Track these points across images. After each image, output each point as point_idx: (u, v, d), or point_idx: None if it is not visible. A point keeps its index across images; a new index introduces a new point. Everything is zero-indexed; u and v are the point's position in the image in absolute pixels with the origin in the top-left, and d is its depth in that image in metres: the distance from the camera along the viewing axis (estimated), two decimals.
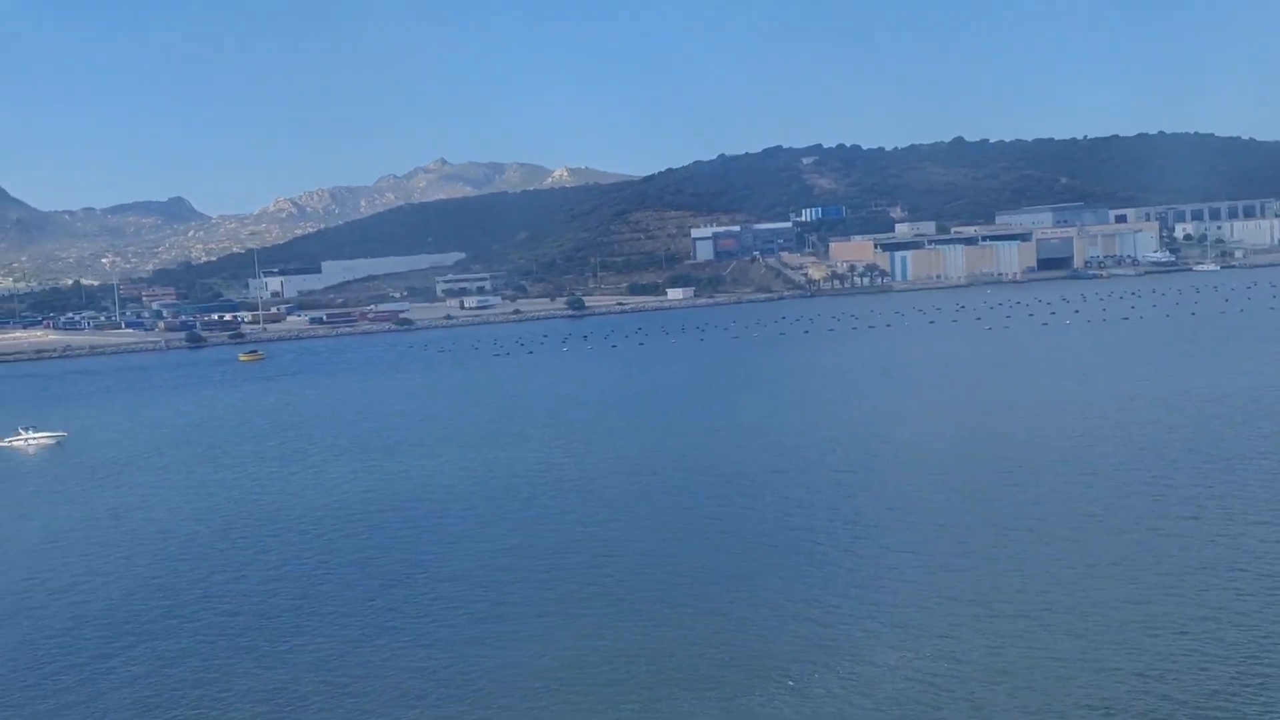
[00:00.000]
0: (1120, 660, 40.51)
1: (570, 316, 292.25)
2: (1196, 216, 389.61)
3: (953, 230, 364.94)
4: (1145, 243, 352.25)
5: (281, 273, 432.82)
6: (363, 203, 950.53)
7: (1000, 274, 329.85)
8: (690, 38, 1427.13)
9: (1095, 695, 37.84)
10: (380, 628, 48.97)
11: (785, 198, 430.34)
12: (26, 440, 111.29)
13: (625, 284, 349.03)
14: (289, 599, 54.39)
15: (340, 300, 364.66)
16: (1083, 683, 38.84)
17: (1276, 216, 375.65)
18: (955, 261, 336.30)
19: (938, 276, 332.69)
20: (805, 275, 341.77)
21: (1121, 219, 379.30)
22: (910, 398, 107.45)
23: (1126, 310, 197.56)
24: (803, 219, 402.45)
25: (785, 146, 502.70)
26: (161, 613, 53.57)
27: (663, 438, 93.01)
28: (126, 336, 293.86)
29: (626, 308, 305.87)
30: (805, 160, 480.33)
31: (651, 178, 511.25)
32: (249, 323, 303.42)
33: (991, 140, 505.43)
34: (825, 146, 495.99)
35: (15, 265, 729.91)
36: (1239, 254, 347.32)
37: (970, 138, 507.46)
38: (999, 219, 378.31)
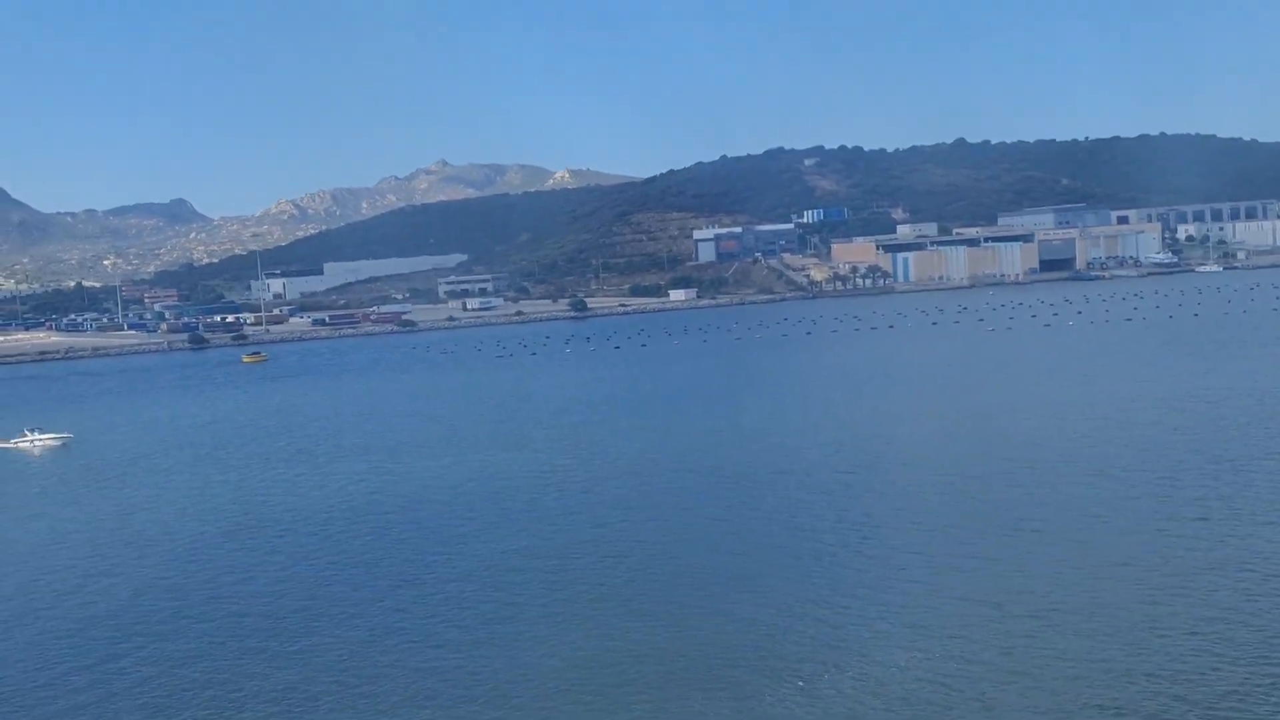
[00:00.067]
0: (1131, 661, 40.56)
1: (572, 318, 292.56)
2: (1198, 218, 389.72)
3: (955, 232, 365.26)
4: (1147, 244, 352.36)
5: (283, 274, 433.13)
6: (364, 204, 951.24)
7: (1002, 275, 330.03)
8: (691, 39, 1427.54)
9: (1107, 696, 37.89)
10: (390, 628, 49.04)
11: (787, 199, 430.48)
12: (32, 441, 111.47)
13: (627, 285, 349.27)
14: (297, 600, 54.46)
15: (342, 302, 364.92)
16: (1094, 683, 38.89)
17: (1278, 218, 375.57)
18: (957, 263, 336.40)
19: (940, 278, 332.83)
20: (807, 277, 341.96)
21: (1123, 220, 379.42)
22: (914, 399, 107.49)
23: (1129, 311, 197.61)
24: (804, 220, 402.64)
25: (787, 148, 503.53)
26: (170, 614, 53.66)
27: (668, 439, 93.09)
28: (129, 338, 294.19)
29: (629, 309, 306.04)
30: (807, 161, 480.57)
31: (653, 179, 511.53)
32: (251, 324, 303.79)
33: (993, 141, 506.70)
34: (827, 148, 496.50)
35: (17, 267, 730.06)
36: (1241, 255, 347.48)
37: (972, 139, 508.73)
38: (1001, 220, 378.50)
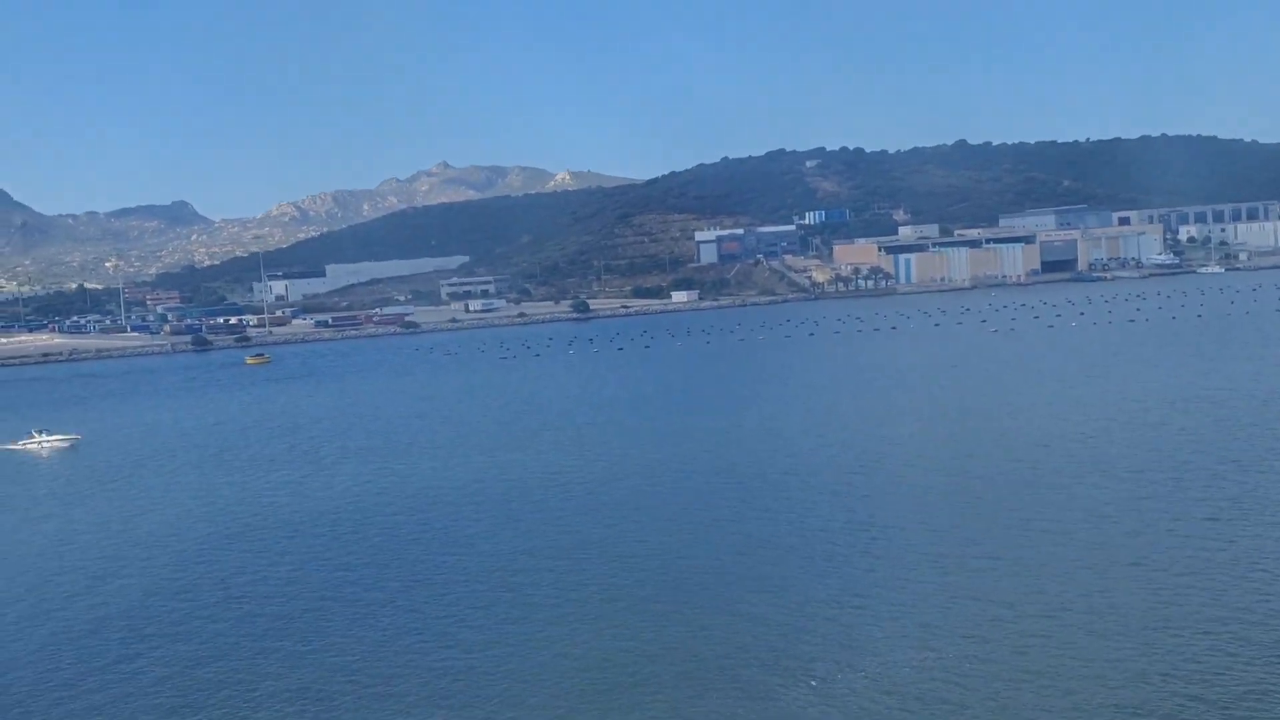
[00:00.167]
0: (1145, 661, 40.68)
1: (575, 319, 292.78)
2: (1200, 219, 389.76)
3: (956, 233, 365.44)
4: (1149, 245, 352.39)
5: (285, 276, 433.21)
6: (365, 206, 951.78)
7: (1004, 276, 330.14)
8: (692, 41, 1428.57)
9: (1123, 696, 38.00)
10: (403, 629, 49.19)
11: (789, 201, 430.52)
12: (40, 443, 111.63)
13: (629, 287, 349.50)
14: (309, 601, 54.59)
15: (345, 304, 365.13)
16: (1109, 683, 39.01)
17: (1279, 219, 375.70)
18: (959, 264, 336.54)
19: (941, 279, 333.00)
20: (809, 278, 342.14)
21: (1125, 221, 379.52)
22: (919, 400, 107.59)
23: (1132, 312, 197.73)
24: (806, 222, 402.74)
25: (788, 149, 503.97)
26: (183, 615, 53.80)
27: (674, 440, 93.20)
28: (132, 340, 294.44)
29: (631, 310, 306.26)
30: (809, 163, 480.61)
31: (655, 181, 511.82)
32: (254, 326, 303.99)
33: (994, 142, 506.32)
34: (828, 149, 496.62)
35: (19, 269, 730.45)
36: (1243, 256, 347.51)
37: (973, 140, 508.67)
38: (1002, 221, 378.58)
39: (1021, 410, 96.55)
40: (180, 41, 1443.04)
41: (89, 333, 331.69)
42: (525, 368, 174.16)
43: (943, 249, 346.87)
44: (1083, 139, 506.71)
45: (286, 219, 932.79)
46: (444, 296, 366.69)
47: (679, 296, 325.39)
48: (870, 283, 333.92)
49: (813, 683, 41.07)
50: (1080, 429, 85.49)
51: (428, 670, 44.17)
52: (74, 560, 65.97)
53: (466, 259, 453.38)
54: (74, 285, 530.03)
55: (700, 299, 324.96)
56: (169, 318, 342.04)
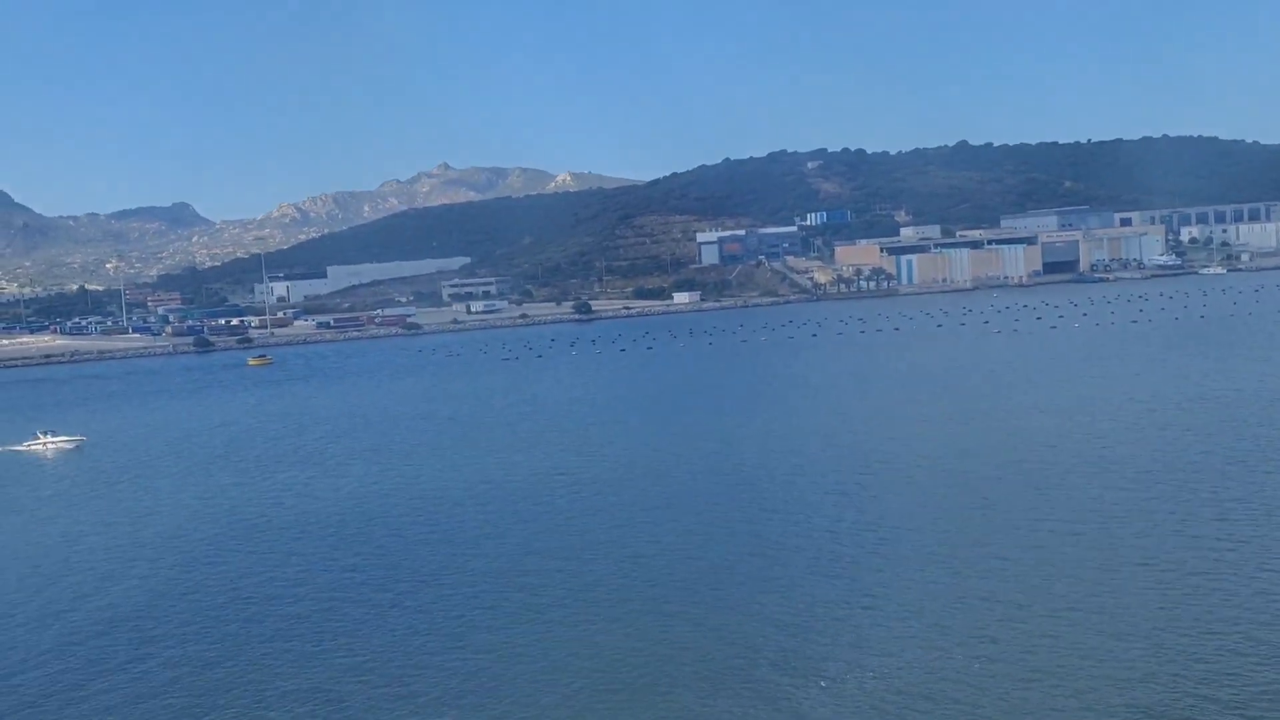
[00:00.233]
0: (1156, 662, 40.70)
1: (577, 320, 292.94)
2: (1201, 220, 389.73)
3: (958, 234, 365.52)
4: (1151, 246, 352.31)
5: (287, 278, 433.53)
6: (366, 207, 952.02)
7: (1006, 277, 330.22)
8: (693, 42, 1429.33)
9: (1134, 697, 38.04)
10: (413, 629, 49.24)
11: (790, 202, 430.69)
12: (45, 444, 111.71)
13: (631, 288, 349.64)
14: (319, 602, 54.65)
15: (346, 305, 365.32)
16: (1121, 684, 39.04)
17: None
18: (961, 265, 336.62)
19: (943, 280, 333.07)
20: (811, 279, 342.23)
21: (1126, 222, 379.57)
22: (925, 400, 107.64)
23: (1135, 313, 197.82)
24: (808, 223, 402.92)
25: (790, 150, 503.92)
26: (192, 616, 53.86)
27: (680, 440, 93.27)
28: (134, 341, 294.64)
29: (633, 312, 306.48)
30: (810, 164, 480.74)
31: (656, 182, 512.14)
32: (256, 328, 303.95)
33: (996, 143, 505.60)
34: (830, 150, 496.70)
35: (20, 270, 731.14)
36: (1245, 257, 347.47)
37: (974, 141, 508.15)
38: (1004, 222, 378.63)
39: (1027, 411, 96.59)
40: (181, 43, 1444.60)
41: (90, 334, 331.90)
42: (528, 369, 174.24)
43: (944, 250, 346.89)
44: (1084, 140, 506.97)
45: (287, 220, 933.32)
46: (445, 298, 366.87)
47: (681, 298, 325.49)
48: (872, 284, 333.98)
49: (823, 683, 41.13)
50: (1086, 430, 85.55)
51: (439, 670, 44.22)
52: (82, 561, 66.06)
53: (468, 260, 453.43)
54: (75, 287, 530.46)
55: (702, 300, 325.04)
56: (170, 319, 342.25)
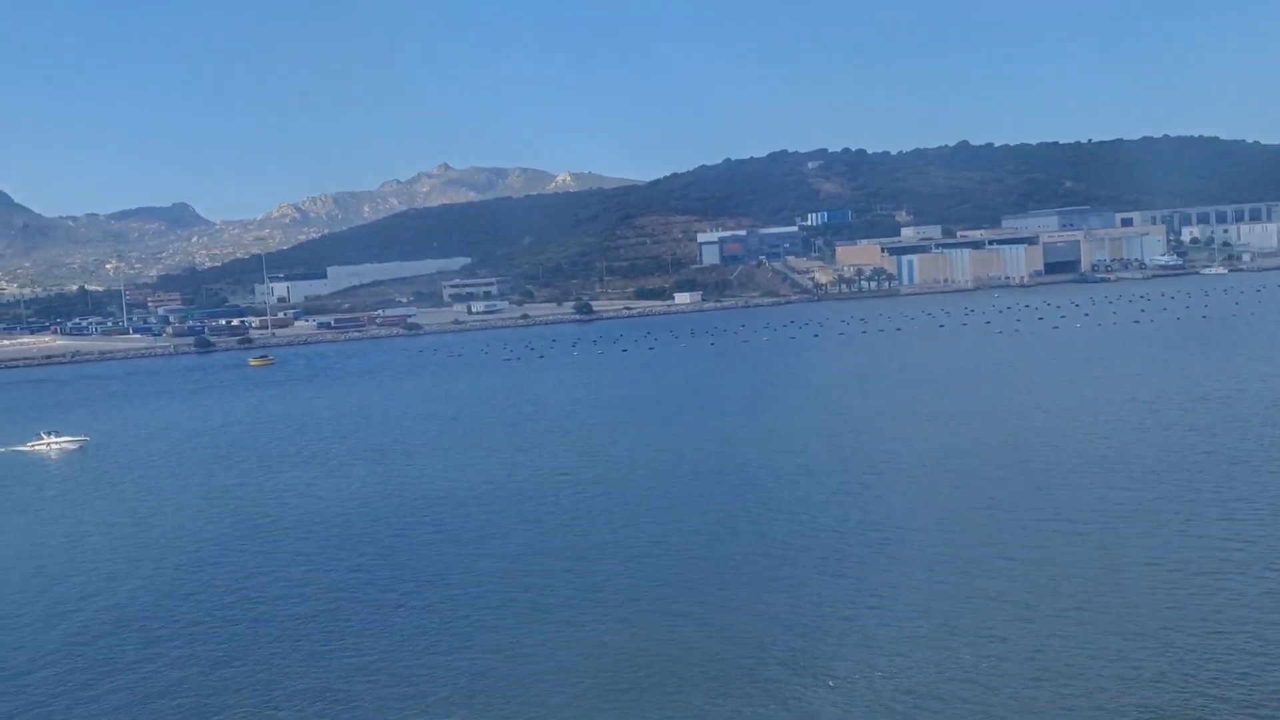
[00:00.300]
0: (1165, 662, 40.68)
1: (578, 321, 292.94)
2: (1202, 220, 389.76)
3: (959, 234, 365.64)
4: (1152, 246, 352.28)
5: (287, 278, 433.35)
6: (366, 208, 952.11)
7: (1007, 278, 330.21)
8: (693, 41, 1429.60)
9: (1146, 697, 38.02)
10: (422, 629, 49.25)
11: (791, 202, 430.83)
12: (49, 444, 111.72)
13: (632, 288, 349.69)
14: (325, 602, 54.64)
15: (347, 305, 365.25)
16: (1131, 683, 39.03)
17: None
18: (962, 265, 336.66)
19: (944, 280, 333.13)
20: (812, 279, 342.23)
21: (1127, 222, 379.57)
22: (929, 400, 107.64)
23: (1136, 314, 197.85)
24: (808, 223, 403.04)
25: (790, 150, 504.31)
26: (199, 616, 53.85)
27: (685, 440, 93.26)
28: (135, 341, 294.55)
29: (634, 312, 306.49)
30: (810, 164, 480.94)
31: (656, 182, 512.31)
32: (257, 328, 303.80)
33: (996, 144, 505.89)
34: (830, 150, 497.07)
35: (20, 271, 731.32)
36: (1246, 257, 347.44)
37: (975, 141, 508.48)
38: (1005, 223, 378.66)
39: (1029, 411, 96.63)
40: (180, 43, 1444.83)
41: (91, 334, 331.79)
42: (530, 369, 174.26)
43: (945, 250, 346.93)
44: (1085, 140, 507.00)
45: (287, 220, 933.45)
46: (446, 298, 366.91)
47: (682, 298, 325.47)
48: (873, 284, 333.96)
49: (831, 683, 41.14)
50: (1090, 430, 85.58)
51: (448, 670, 44.23)
52: (87, 561, 66.05)
53: (468, 260, 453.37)
54: (75, 287, 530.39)
55: (703, 300, 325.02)
56: (171, 319, 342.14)
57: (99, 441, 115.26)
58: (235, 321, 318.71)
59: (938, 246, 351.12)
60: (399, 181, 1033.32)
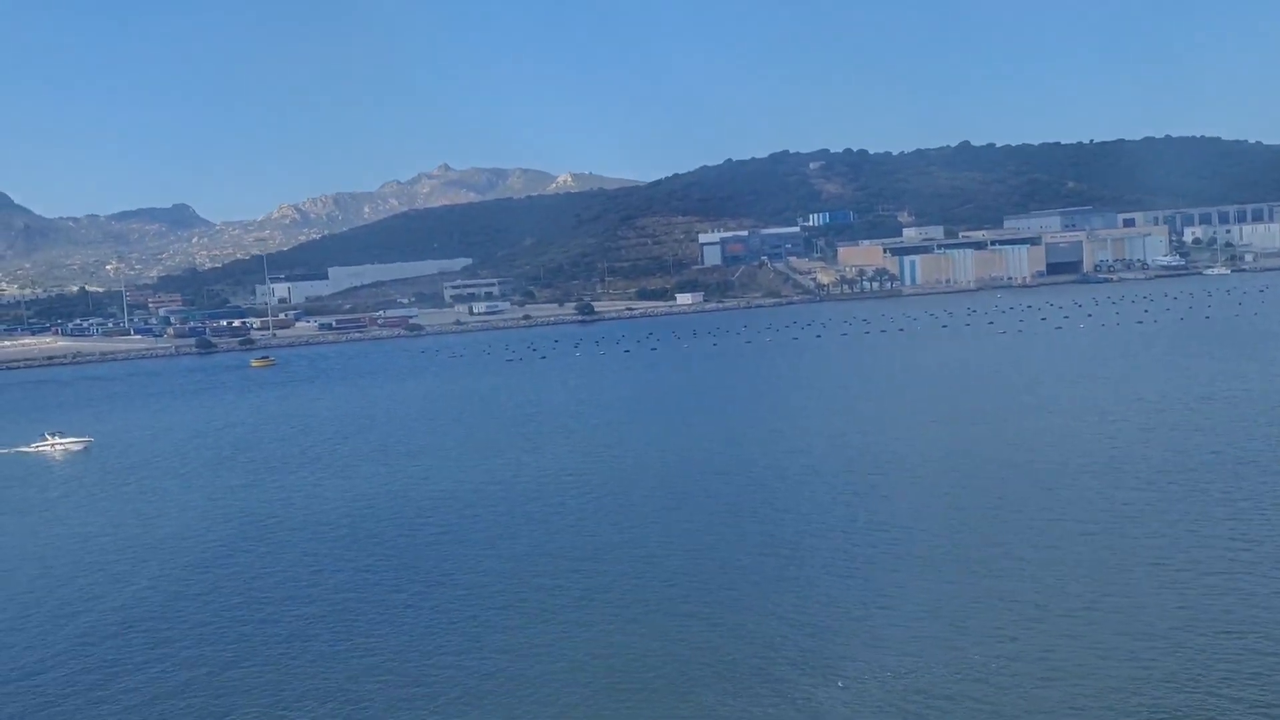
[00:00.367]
0: (1176, 662, 40.65)
1: (580, 321, 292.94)
2: (1205, 220, 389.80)
3: (961, 235, 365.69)
4: (1155, 246, 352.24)
5: (288, 279, 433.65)
6: (366, 209, 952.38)
7: (1009, 278, 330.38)
8: (694, 42, 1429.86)
9: (1157, 697, 37.99)
10: (431, 629, 49.21)
11: (793, 203, 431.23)
12: (53, 445, 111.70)
13: (633, 289, 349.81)
14: (334, 603, 54.58)
15: (348, 306, 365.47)
16: (1140, 683, 39.00)
17: None
18: (964, 266, 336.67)
19: (946, 281, 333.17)
20: (814, 280, 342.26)
21: (1130, 223, 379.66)
22: (934, 401, 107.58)
23: (1140, 314, 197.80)
24: (810, 224, 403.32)
25: (792, 151, 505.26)
26: (207, 616, 53.81)
27: (690, 441, 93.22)
28: (136, 343, 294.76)
29: (635, 313, 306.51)
30: (812, 165, 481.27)
31: (658, 183, 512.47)
32: (258, 329, 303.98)
33: (998, 144, 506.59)
34: (832, 151, 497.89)
35: (20, 272, 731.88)
36: (1249, 258, 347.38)
37: (977, 142, 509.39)
38: (1007, 223, 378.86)
39: (1036, 411, 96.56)
40: (180, 43, 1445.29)
41: (92, 335, 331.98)
42: (532, 370, 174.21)
43: (947, 250, 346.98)
44: (1087, 140, 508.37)
45: (287, 221, 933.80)
46: (447, 299, 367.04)
47: (684, 298, 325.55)
48: (875, 284, 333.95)
49: (841, 683, 41.10)
50: (1096, 430, 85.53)
51: (458, 670, 44.21)
52: (94, 562, 66.02)
53: (469, 261, 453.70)
54: (75, 288, 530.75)
55: (705, 301, 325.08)
56: (172, 320, 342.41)
57: (103, 442, 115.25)
58: (236, 322, 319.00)
59: (940, 247, 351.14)
60: (399, 182, 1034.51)
